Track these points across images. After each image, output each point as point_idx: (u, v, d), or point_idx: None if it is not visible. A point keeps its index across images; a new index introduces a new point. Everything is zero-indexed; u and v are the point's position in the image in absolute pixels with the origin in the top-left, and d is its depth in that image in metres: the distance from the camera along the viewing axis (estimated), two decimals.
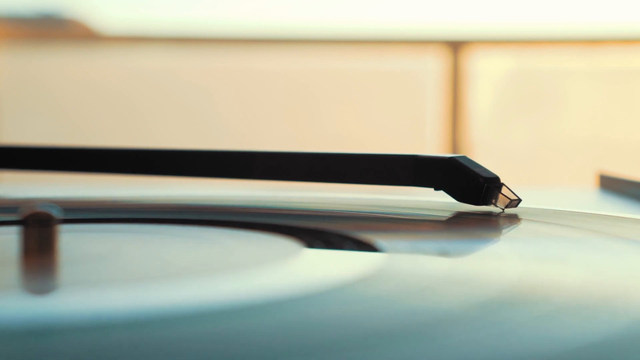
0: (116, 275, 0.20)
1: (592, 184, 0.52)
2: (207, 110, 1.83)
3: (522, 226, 0.27)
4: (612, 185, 0.47)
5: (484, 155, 1.63)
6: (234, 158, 0.36)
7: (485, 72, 1.77)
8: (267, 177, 0.35)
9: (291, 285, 0.18)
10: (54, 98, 1.83)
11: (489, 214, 0.30)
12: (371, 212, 0.31)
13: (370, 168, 0.33)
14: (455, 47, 1.72)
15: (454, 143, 1.69)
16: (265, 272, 0.20)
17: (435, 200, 0.34)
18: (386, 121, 1.81)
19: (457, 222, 0.29)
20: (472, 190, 0.30)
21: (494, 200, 0.30)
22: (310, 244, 0.24)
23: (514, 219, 0.29)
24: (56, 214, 0.21)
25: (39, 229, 0.21)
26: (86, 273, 0.20)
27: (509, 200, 0.30)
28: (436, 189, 0.31)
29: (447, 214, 0.30)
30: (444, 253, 0.22)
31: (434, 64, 1.73)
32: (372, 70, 1.80)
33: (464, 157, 0.31)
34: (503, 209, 0.30)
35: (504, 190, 0.30)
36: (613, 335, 0.14)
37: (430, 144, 1.72)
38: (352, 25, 1.92)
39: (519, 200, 0.30)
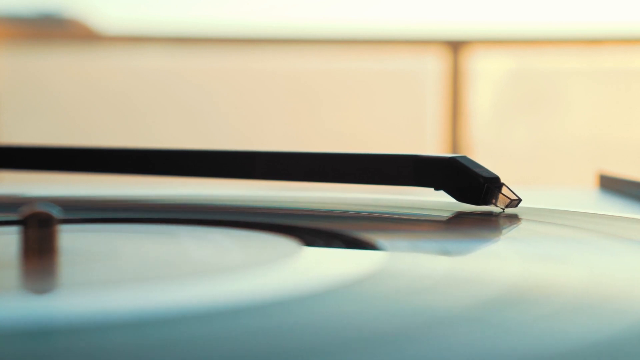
0: (116, 275, 0.20)
1: (592, 184, 0.52)
2: (207, 110, 1.83)
3: (522, 226, 0.27)
4: (612, 185, 0.47)
5: (484, 155, 1.63)
6: (235, 158, 0.36)
7: (485, 72, 1.77)
8: (268, 177, 0.35)
9: (291, 286, 0.18)
10: (54, 98, 1.82)
11: (489, 214, 0.30)
12: (371, 212, 0.31)
13: (370, 168, 0.33)
14: (455, 47, 1.72)
15: (454, 143, 1.69)
16: (265, 272, 0.20)
17: (435, 200, 0.34)
18: (387, 121, 1.81)
19: (457, 222, 0.29)
20: (473, 190, 0.30)
21: (494, 200, 0.30)
22: (310, 244, 0.24)
23: (514, 219, 0.29)
24: (56, 214, 0.21)
25: (39, 229, 0.21)
26: (86, 273, 0.20)
27: (509, 200, 0.30)
28: (436, 189, 0.31)
29: (447, 214, 0.30)
30: (444, 253, 0.22)
31: (434, 64, 1.73)
32: (373, 70, 1.80)
33: (464, 157, 0.31)
34: (503, 209, 0.30)
35: (504, 190, 0.30)
36: (613, 335, 0.14)
37: (431, 144, 1.72)
38: (352, 25, 1.92)
39: (519, 200, 0.30)
